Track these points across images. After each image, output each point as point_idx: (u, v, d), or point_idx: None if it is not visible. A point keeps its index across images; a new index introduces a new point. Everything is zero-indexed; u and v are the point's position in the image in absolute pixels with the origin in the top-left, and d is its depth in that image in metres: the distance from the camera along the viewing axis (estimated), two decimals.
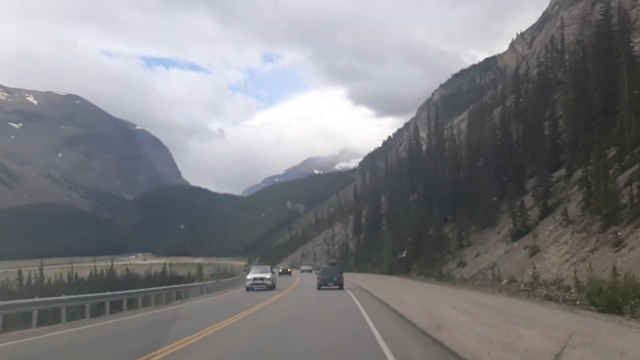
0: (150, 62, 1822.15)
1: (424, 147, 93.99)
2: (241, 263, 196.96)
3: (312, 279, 46.65)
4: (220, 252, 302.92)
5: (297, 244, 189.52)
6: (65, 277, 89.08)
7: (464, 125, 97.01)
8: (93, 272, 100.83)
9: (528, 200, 44.55)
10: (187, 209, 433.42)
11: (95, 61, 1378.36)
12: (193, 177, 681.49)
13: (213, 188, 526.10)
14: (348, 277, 44.24)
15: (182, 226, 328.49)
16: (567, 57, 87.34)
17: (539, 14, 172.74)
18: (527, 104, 63.65)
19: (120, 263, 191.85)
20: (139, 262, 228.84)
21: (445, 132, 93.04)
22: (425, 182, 75.92)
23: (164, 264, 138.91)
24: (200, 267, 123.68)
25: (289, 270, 76.97)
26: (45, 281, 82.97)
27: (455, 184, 62.46)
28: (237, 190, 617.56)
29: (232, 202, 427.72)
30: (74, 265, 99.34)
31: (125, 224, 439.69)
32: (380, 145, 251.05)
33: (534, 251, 33.38)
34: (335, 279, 35.90)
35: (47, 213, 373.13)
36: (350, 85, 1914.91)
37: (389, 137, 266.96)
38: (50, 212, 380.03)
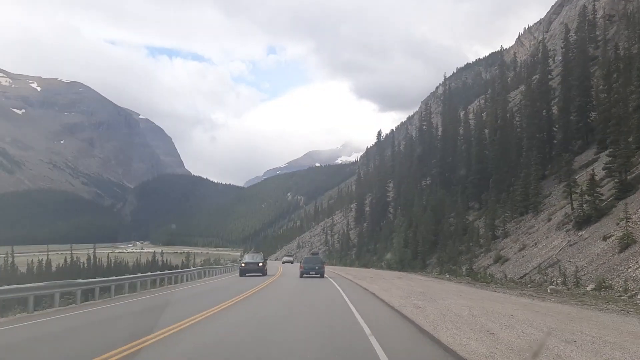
0: (154, 51, 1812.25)
1: (437, 131, 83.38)
2: (237, 253, 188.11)
3: (295, 268, 49.11)
4: (219, 242, 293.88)
5: (294, 234, 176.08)
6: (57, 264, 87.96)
7: (477, 109, 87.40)
8: (72, 259, 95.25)
9: (582, 178, 33.73)
10: (187, 198, 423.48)
11: (100, 49, 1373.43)
12: (195, 167, 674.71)
13: (215, 179, 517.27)
14: (349, 277, 33.57)
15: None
16: (597, 32, 78.46)
17: (543, 11, 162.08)
18: (566, 75, 52.42)
19: (117, 251, 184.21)
20: (134, 251, 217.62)
21: (461, 114, 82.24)
22: (441, 163, 64.43)
23: (154, 252, 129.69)
24: (187, 255, 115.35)
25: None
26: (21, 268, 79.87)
27: (480, 165, 51.02)
28: (238, 182, 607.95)
29: (233, 193, 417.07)
30: (63, 252, 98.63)
31: (125, 211, 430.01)
32: (382, 139, 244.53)
33: (626, 242, 22.41)
34: (316, 267, 36.82)
35: (47, 199, 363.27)
36: (354, 79, 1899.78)
37: (392, 130, 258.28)
38: (50, 198, 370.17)
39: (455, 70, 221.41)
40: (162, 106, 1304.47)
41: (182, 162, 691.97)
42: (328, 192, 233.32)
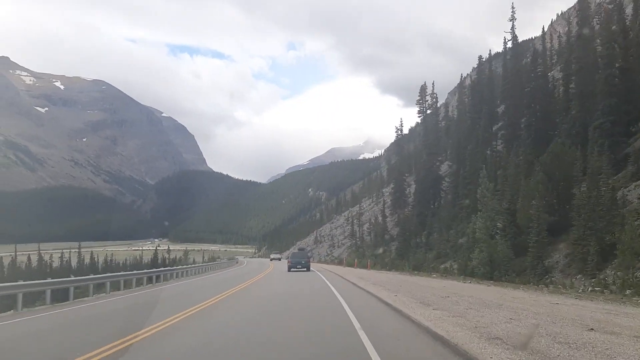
0: (175, 49, 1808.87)
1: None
2: (252, 250, 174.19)
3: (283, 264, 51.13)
4: (238, 239, 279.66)
5: (311, 227, 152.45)
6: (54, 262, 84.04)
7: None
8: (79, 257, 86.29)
9: None
10: (207, 194, 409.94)
11: (121, 48, 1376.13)
12: (217, 165, 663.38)
13: (237, 176, 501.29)
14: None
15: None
16: None
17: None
18: None
19: (133, 249, 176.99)
20: (150, 248, 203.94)
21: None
22: (530, 111, 43.54)
23: (155, 249, 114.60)
24: (186, 253, 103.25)
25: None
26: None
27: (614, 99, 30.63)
28: (261, 180, 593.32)
29: (253, 189, 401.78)
30: (74, 250, 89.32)
31: (145, 208, 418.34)
32: (407, 132, 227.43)
33: None
34: (303, 262, 39.66)
35: (68, 196, 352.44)
36: (376, 74, 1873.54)
37: (417, 123, 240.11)
38: (71, 195, 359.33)
39: (483, 60, 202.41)
40: (184, 104, 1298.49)
41: (204, 159, 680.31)
42: (351, 188, 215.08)
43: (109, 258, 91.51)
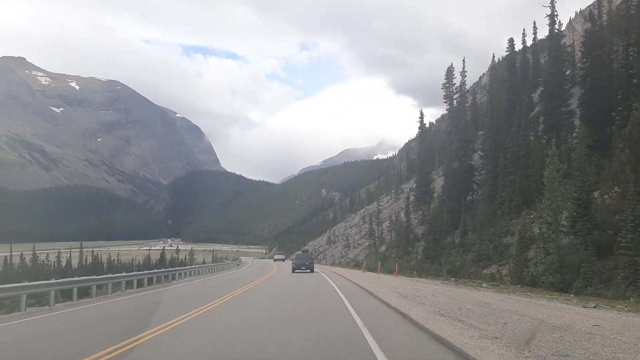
0: (189, 50, 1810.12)
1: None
2: (262, 251, 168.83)
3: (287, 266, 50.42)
4: (250, 240, 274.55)
5: (324, 227, 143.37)
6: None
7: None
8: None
9: None
10: (219, 194, 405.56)
11: (135, 48, 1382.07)
12: (231, 166, 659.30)
13: (250, 177, 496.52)
14: None
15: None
16: None
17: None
18: None
19: (145, 249, 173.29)
20: (159, 248, 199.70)
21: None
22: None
23: (162, 249, 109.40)
24: (192, 253, 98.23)
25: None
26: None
27: None
28: (274, 180, 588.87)
29: (266, 189, 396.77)
30: (85, 249, 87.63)
31: (158, 208, 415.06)
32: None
33: None
34: (307, 263, 40.27)
35: (81, 196, 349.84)
36: (390, 74, 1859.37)
37: (431, 123, 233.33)
38: (85, 195, 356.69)
39: (500, 59, 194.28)
40: (198, 104, 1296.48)
41: (218, 160, 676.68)
42: (366, 187, 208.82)
43: (111, 258, 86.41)
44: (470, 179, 55.91)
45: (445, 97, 64.66)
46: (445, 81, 64.30)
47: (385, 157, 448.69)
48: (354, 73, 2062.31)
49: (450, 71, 64.43)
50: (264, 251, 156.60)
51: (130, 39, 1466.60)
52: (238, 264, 73.61)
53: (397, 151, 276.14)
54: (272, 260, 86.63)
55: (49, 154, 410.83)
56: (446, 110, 67.33)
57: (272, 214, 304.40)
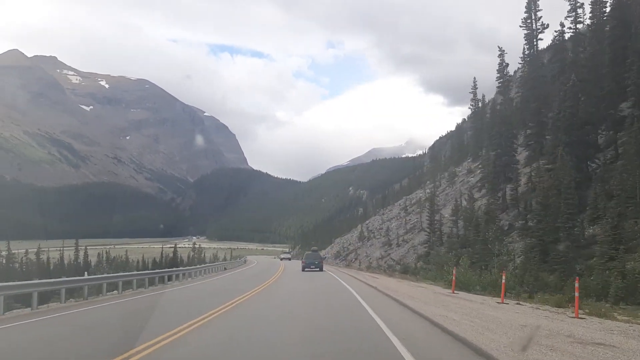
0: (215, 49, 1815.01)
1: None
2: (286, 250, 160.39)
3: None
4: (275, 238, 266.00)
5: (354, 222, 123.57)
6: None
7: None
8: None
9: None
10: (245, 192, 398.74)
11: (163, 48, 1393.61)
12: (258, 165, 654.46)
13: (276, 175, 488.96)
14: None
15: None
16: None
17: None
18: None
19: (168, 246, 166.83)
20: (186, 246, 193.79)
21: None
22: None
23: (172, 247, 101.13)
24: (200, 251, 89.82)
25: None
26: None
27: None
28: (301, 179, 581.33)
29: (293, 188, 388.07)
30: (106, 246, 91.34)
31: (184, 206, 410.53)
32: (453, 128, 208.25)
33: None
34: (316, 262, 41.58)
35: (109, 193, 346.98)
36: (419, 72, 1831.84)
37: (464, 119, 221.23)
38: (112, 192, 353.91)
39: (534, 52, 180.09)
40: (227, 104, 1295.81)
41: (245, 159, 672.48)
42: (400, 182, 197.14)
43: (111, 256, 78.16)
44: (595, 136, 39.06)
45: (527, 36, 50.20)
46: (525, 15, 50.15)
47: (413, 155, 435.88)
48: (381, 71, 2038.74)
49: (531, 4, 49.45)
50: (287, 249, 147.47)
51: (158, 38, 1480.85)
52: (240, 264, 64.13)
53: (426, 149, 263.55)
54: (279, 259, 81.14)
55: (78, 151, 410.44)
56: (526, 53, 51.44)
57: (297, 213, 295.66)
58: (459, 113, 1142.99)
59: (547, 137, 43.76)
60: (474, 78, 72.21)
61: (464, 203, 55.62)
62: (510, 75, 59.05)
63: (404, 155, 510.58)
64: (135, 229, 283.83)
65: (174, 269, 33.80)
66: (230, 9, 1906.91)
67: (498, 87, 56.99)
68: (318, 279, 30.40)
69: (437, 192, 73.73)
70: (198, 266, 39.25)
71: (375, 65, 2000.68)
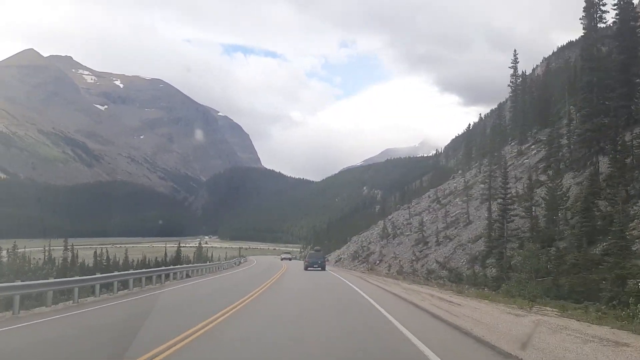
0: (229, 48, 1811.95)
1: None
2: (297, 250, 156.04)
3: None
4: (288, 238, 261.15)
5: (372, 219, 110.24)
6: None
7: None
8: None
9: None
10: (258, 191, 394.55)
11: (177, 48, 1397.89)
12: (272, 165, 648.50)
13: (289, 174, 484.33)
14: None
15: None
16: None
17: None
18: None
19: (171, 246, 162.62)
20: (195, 246, 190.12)
21: None
22: None
23: (178, 246, 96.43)
24: (200, 250, 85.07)
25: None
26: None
27: None
28: (314, 179, 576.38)
29: (306, 187, 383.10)
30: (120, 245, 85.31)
31: (196, 205, 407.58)
32: (470, 127, 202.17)
33: None
34: (319, 262, 41.71)
35: (121, 192, 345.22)
36: (435, 72, 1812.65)
37: (481, 118, 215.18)
38: (125, 191, 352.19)
39: (555, 49, 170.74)
40: (240, 103, 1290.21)
41: (259, 159, 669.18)
42: (412, 185, 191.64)
43: (105, 255, 73.19)
44: None
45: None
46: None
47: (430, 154, 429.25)
48: (395, 71, 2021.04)
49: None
50: (299, 249, 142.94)
51: (173, 38, 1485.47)
52: (236, 264, 58.77)
53: (442, 149, 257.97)
54: (280, 259, 77.75)
55: (92, 150, 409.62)
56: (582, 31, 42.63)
57: (310, 212, 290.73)
58: (475, 113, 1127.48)
59: None
60: (514, 50, 65.36)
61: (520, 188, 43.12)
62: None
63: (419, 155, 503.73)
64: (147, 228, 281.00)
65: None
66: (244, 9, 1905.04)
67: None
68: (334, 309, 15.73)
69: (475, 175, 63.86)
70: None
71: (389, 65, 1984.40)
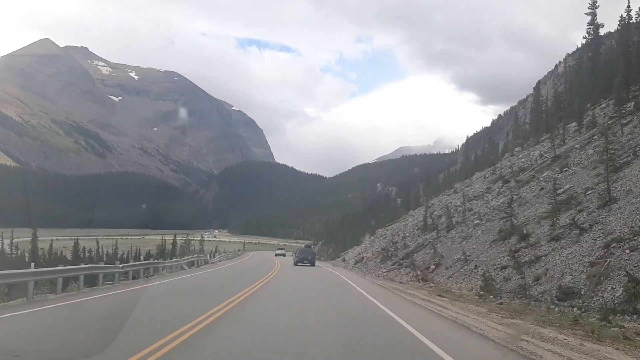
0: (243, 42, 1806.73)
1: None
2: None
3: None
4: (299, 234, 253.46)
5: (393, 214, 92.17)
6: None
7: None
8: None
9: None
10: (270, 186, 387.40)
11: (193, 41, 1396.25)
12: (285, 160, 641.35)
13: (302, 169, 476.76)
14: None
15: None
16: None
17: None
18: None
19: (182, 239, 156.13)
20: (206, 239, 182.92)
21: None
22: None
23: (174, 239, 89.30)
24: (187, 243, 78.31)
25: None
26: None
27: None
28: (326, 175, 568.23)
29: (318, 183, 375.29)
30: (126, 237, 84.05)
31: (207, 198, 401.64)
32: (488, 125, 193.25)
33: None
34: (309, 257, 41.48)
35: (132, 183, 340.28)
36: (452, 69, 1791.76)
37: (500, 115, 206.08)
38: (136, 182, 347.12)
39: (579, 45, 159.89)
40: (255, 98, 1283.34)
41: (272, 154, 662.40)
42: (443, 173, 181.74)
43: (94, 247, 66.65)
44: None
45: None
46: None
47: (446, 152, 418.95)
48: (411, 68, 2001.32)
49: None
50: (311, 244, 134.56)
51: (188, 31, 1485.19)
52: (221, 260, 50.18)
53: (459, 146, 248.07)
54: (274, 254, 72.24)
55: (105, 141, 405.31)
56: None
57: (323, 208, 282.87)
58: (492, 111, 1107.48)
59: None
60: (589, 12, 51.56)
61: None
62: None
63: (435, 152, 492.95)
64: (157, 220, 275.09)
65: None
66: (260, 3, 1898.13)
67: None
68: None
69: (530, 163, 38.79)
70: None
71: (405, 62, 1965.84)
